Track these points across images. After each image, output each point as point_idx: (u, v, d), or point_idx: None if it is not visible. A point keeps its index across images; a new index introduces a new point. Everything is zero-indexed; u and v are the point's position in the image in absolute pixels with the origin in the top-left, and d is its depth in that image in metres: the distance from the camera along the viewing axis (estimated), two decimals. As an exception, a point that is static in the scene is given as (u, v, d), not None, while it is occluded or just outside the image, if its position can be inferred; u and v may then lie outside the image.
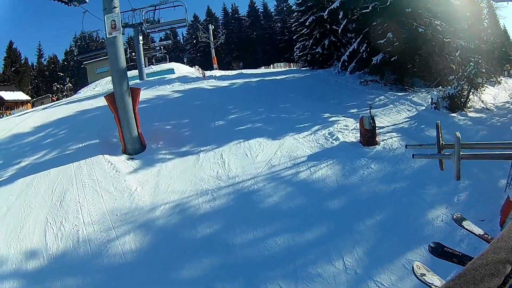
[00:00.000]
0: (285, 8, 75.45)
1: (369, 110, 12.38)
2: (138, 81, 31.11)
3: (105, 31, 12.90)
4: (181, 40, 76.27)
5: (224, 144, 12.60)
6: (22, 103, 61.55)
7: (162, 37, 56.56)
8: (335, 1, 25.54)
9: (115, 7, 13.26)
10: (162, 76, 32.62)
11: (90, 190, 10.54)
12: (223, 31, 64.66)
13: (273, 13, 78.31)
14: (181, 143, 13.24)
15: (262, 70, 37.93)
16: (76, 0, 15.43)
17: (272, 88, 21.54)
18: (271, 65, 50.53)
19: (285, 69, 37.97)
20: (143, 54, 34.22)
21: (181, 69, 39.18)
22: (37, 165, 12.40)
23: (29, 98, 64.63)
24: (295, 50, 56.80)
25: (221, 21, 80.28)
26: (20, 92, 64.79)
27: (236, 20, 78.71)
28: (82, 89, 46.33)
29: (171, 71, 37.18)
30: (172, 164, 11.85)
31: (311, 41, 30.17)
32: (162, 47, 44.00)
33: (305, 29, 31.01)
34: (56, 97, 69.30)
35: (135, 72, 34.18)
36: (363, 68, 22.01)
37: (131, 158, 12.76)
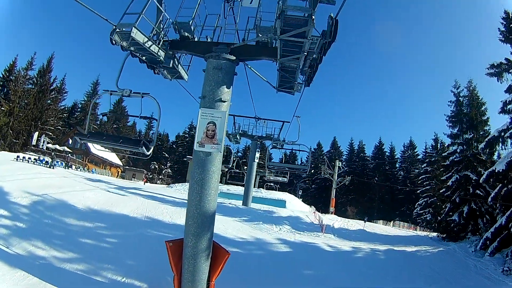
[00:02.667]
0: (410, 157, 70.49)
1: None
2: (240, 204, 26.79)
3: (195, 138, 7.63)
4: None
5: None
6: (110, 164, 58.65)
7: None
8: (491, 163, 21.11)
9: (222, 101, 7.90)
10: (270, 208, 27.25)
11: None
12: (346, 169, 59.42)
13: (397, 159, 72.61)
14: None
15: (386, 229, 30.32)
16: (174, 76, 10.44)
17: (408, 269, 14.89)
18: (392, 222, 42.75)
19: (411, 233, 29.90)
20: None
21: (294, 203, 33.60)
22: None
23: (120, 163, 60.38)
24: (416, 206, 49.88)
25: (345, 156, 77.04)
26: (113, 154, 59.31)
27: (361, 159, 73.96)
28: (176, 184, 42.86)
29: (282, 203, 31.92)
30: None
31: (448, 205, 24.82)
32: (275, 177, 36.66)
33: (445, 189, 25.95)
34: (149, 177, 65.46)
35: (238, 190, 30.53)
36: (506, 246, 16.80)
37: None
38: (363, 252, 17.29)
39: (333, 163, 47.84)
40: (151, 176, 68.48)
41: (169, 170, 73.40)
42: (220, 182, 51.27)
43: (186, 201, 21.19)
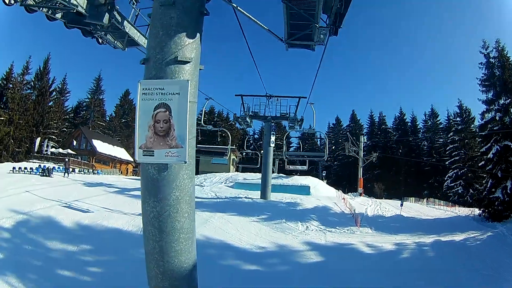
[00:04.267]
0: (433, 127, 67.89)
1: None
2: (258, 197, 23.58)
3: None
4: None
5: None
6: (120, 162, 55.60)
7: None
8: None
9: (180, 61, 4.17)
10: (293, 198, 23.86)
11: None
12: (369, 143, 55.47)
13: (421, 129, 69.08)
14: None
15: (422, 210, 26.97)
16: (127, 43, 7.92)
17: (462, 268, 11.30)
18: (425, 200, 39.28)
19: (449, 213, 26.47)
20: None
21: (318, 188, 30.37)
22: None
23: (131, 159, 56.55)
24: (446, 178, 46.94)
25: (366, 129, 73.17)
26: (122, 150, 57.52)
27: (383, 131, 70.43)
28: None
29: (306, 190, 28.58)
30: None
31: (489, 180, 22.25)
32: (294, 166, 32.80)
33: (484, 162, 23.45)
34: None
35: (256, 179, 27.38)
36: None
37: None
38: (409, 249, 14.05)
39: (355, 138, 44.30)
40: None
41: (190, 157, 70.86)
42: (237, 170, 48.88)
43: (199, 200, 16.43)
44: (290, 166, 26.71)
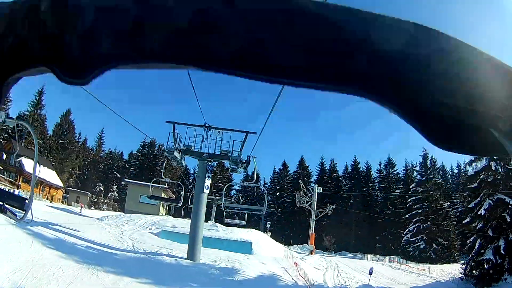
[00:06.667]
0: (391, 175, 65.81)
1: None
2: (185, 256, 18.16)
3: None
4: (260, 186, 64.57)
5: None
6: (49, 185, 50.88)
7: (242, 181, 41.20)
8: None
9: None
10: (230, 259, 19.24)
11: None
12: (324, 198, 52.38)
13: (375, 179, 68.38)
14: None
15: (391, 274, 23.58)
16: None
17: None
18: (386, 258, 36.53)
19: (426, 277, 23.52)
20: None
21: (262, 245, 25.60)
22: None
23: (62, 184, 53.35)
24: (406, 232, 44.80)
25: (315, 177, 70.61)
26: (53, 173, 52.59)
27: (334, 180, 68.09)
28: (110, 215, 33.51)
29: (247, 246, 23.81)
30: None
31: (477, 240, 20.28)
32: (232, 220, 25.13)
33: (471, 219, 21.43)
34: (94, 201, 58.63)
35: (186, 227, 20.90)
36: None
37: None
38: None
39: (304, 187, 40.86)
40: (95, 200, 59.17)
41: (116, 194, 63.99)
42: (168, 213, 43.25)
43: (103, 249, 16.17)
44: (229, 220, 22.02)
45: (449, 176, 67.20)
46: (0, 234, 13.49)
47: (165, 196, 39.95)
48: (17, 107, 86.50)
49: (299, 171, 69.86)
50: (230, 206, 20.86)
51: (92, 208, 54.51)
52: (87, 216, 32.26)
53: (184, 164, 20.17)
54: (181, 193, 21.22)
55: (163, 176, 20.82)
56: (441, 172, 58.07)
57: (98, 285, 11.57)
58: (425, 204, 42.42)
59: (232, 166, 19.50)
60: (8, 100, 53.63)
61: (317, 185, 42.85)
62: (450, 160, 68.64)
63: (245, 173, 21.66)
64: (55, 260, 12.85)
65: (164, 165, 24.22)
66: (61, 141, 64.30)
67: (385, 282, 20.35)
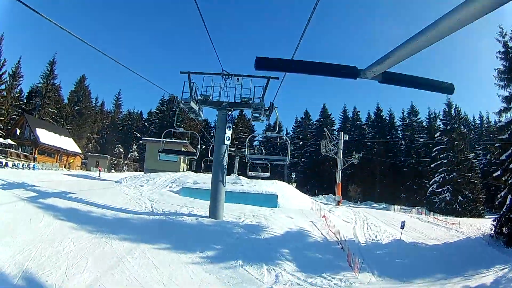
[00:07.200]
0: (414, 124, 63.36)
1: None
2: (207, 213, 17.01)
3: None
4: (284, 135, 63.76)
5: None
6: (66, 154, 50.78)
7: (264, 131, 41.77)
8: None
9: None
10: (255, 214, 18.14)
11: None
12: (348, 147, 50.59)
13: (399, 128, 65.97)
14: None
15: (422, 228, 22.13)
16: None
17: None
18: (415, 210, 35.13)
19: (456, 233, 21.66)
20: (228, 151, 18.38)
21: (288, 197, 24.49)
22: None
23: (79, 151, 53.45)
24: (431, 183, 43.42)
25: (338, 125, 69.02)
26: (70, 140, 52.91)
27: (357, 128, 66.12)
28: (129, 176, 32.30)
29: (273, 200, 22.77)
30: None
31: (509, 196, 17.52)
32: (256, 172, 23.12)
33: (501, 172, 19.09)
34: (114, 163, 58.85)
35: (208, 182, 19.56)
36: None
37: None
38: None
39: (328, 135, 38.98)
40: (115, 162, 59.12)
41: (136, 154, 63.79)
42: (190, 169, 41.81)
43: (119, 214, 15.50)
44: (252, 173, 20.82)
45: (471, 127, 64.64)
46: (7, 214, 12.47)
47: (184, 149, 38.31)
48: (29, 81, 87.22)
49: (322, 119, 68.32)
50: (253, 158, 19.18)
51: (112, 170, 54.63)
52: (105, 180, 31.54)
53: (202, 115, 18.25)
54: (198, 144, 19.65)
55: (175, 126, 18.80)
56: (464, 122, 55.31)
57: (110, 257, 10.42)
58: (450, 154, 40.56)
59: (254, 115, 17.64)
60: (19, 75, 54.67)
61: (342, 132, 41.08)
62: (472, 110, 65.57)
63: (267, 123, 20.71)
64: (67, 233, 11.76)
65: (176, 114, 22.47)
66: (77, 108, 64.25)
67: (416, 236, 18.90)
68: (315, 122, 69.50)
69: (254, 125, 67.57)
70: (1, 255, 9.10)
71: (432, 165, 42.53)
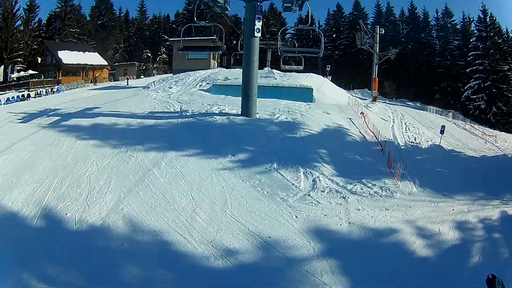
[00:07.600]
0: (449, 25, 58.76)
1: None
2: (237, 118, 15.41)
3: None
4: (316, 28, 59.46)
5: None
6: (92, 68, 48.52)
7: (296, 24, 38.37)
8: None
9: None
10: (290, 110, 17.01)
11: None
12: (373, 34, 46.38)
13: (433, 27, 61.55)
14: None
15: (458, 134, 21.12)
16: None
17: None
18: (451, 114, 32.77)
19: (492, 147, 20.01)
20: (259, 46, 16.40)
21: (324, 91, 22.85)
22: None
23: (106, 63, 50.95)
24: (466, 88, 42.12)
25: (371, 19, 63.71)
26: (95, 54, 50.27)
27: (391, 23, 61.63)
28: (157, 79, 30.96)
29: (308, 94, 21.38)
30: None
31: None
32: (289, 65, 20.79)
33: None
34: (143, 68, 57.08)
35: (240, 78, 17.36)
36: None
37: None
38: (478, 236, 8.37)
39: (364, 27, 35.60)
40: (144, 67, 58.14)
41: (165, 56, 62.07)
42: (221, 65, 39.58)
43: (146, 122, 14.98)
44: (286, 66, 19.13)
45: (505, 39, 58.19)
46: (28, 147, 11.82)
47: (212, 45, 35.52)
48: (47, 9, 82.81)
49: (355, 12, 64.33)
50: (286, 50, 18.15)
51: (142, 76, 53.58)
52: (133, 87, 30.36)
53: (228, 8, 15.98)
54: (223, 37, 17.94)
55: (195, 20, 16.64)
56: (498, 33, 49.69)
57: (135, 172, 9.74)
58: (485, 61, 38.91)
59: (285, 5, 15.30)
60: (35, 7, 51.51)
61: (377, 26, 38.69)
62: (506, 23, 58.37)
63: (298, 16, 18.38)
64: (89, 153, 11.26)
65: (195, 6, 20.06)
66: (99, 22, 62.09)
67: (454, 143, 17.61)
68: (348, 15, 65.49)
69: (285, 18, 64.04)
70: (21, 195, 8.71)
71: (467, 70, 41.28)
